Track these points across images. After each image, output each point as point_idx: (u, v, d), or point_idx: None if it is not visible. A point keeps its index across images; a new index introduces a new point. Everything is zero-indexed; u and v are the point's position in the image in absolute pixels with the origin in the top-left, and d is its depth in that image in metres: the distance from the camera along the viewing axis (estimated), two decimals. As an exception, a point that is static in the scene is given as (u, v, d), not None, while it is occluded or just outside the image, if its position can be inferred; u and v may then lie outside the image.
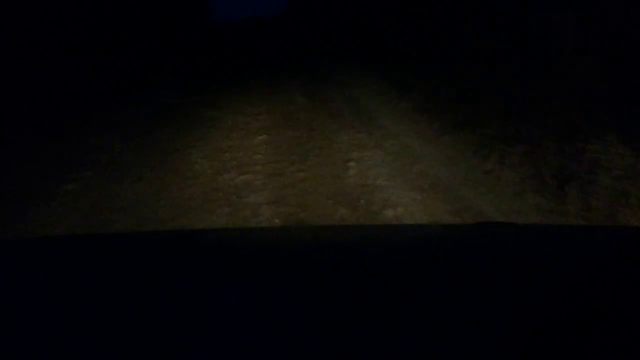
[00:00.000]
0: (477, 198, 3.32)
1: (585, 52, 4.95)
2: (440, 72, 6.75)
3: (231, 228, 2.80)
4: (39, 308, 0.76)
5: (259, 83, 7.86)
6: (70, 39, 8.32)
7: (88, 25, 8.65)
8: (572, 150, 3.79)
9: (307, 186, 3.63)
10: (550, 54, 5.45)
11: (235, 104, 6.47)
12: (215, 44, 13.51)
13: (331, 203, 3.33)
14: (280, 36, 14.72)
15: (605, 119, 4.05)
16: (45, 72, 7.48)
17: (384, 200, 3.32)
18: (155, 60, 10.23)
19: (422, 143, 4.54)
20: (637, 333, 0.60)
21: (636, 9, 4.61)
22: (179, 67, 9.88)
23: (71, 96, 7.25)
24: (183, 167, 4.21)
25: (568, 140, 3.95)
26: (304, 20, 15.52)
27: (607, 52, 4.72)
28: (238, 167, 4.12)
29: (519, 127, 4.47)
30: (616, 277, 0.76)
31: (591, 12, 5.14)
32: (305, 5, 16.52)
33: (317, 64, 9.62)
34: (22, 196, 3.79)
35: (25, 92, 6.92)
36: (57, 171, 4.31)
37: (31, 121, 6.09)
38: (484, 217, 3.00)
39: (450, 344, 0.62)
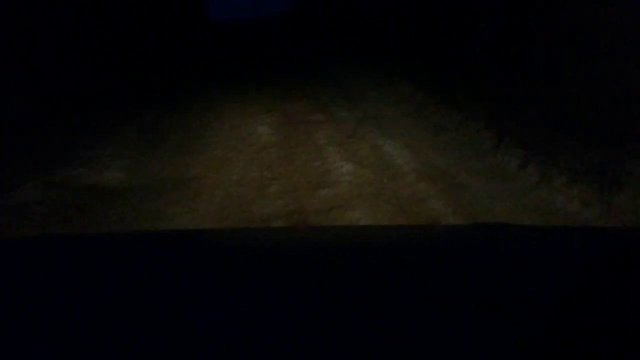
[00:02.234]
0: None
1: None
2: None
3: (231, 228, 2.61)
4: (39, 308, 0.76)
5: (262, 119, 5.47)
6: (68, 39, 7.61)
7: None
8: None
9: None
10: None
11: (221, 180, 3.93)
12: (214, 45, 12.60)
13: None
14: (286, 37, 13.36)
15: None
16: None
17: None
18: (139, 74, 8.28)
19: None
20: (637, 333, 0.60)
21: None
22: (165, 86, 7.61)
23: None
24: None
25: None
26: (310, 20, 14.62)
27: None
28: None
29: None
30: (616, 277, 0.76)
31: None
32: (309, 5, 15.79)
33: (342, 79, 7.12)
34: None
35: None
36: None
37: None
38: None
39: (449, 344, 0.62)
